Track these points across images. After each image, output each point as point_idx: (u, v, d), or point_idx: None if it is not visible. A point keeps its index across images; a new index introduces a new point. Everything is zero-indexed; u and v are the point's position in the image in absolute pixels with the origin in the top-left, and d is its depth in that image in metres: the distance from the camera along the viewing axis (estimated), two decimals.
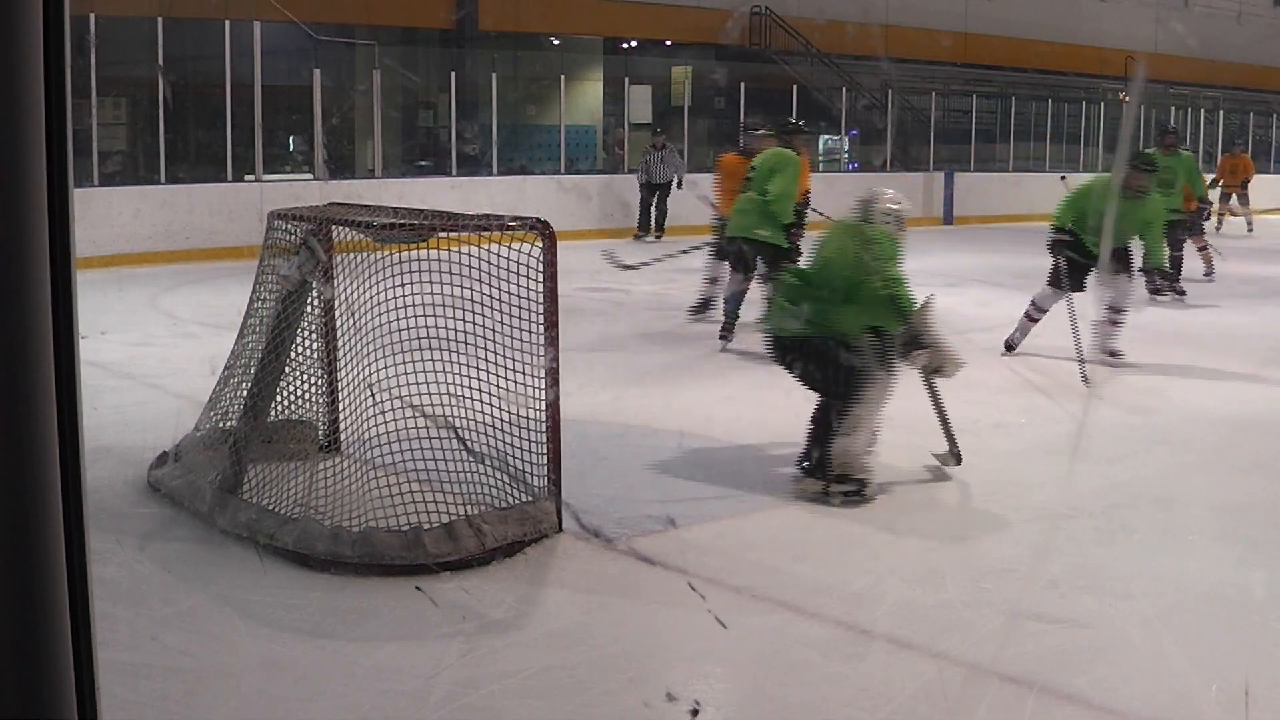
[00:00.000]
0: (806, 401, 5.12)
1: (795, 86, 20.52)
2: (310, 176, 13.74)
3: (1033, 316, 8.21)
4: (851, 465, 4.94)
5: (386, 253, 4.78)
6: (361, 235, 4.84)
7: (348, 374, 4.85)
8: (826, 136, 22.45)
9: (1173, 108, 26.22)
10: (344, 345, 4.99)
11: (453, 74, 17.56)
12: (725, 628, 3.61)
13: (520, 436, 4.53)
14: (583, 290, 7.93)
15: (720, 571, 4.16)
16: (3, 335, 0.86)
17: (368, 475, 4.48)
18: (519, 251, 4.49)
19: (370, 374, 4.90)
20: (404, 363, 4.60)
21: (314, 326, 5.05)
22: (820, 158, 21.53)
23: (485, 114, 17.77)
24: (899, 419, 5.50)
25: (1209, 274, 12.66)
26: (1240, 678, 3.27)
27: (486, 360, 4.56)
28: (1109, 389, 5.53)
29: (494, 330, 4.59)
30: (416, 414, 4.79)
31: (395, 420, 4.57)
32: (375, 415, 4.61)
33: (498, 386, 4.55)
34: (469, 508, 4.36)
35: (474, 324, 4.55)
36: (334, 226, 4.90)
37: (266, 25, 15.51)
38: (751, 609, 3.87)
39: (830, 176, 19.15)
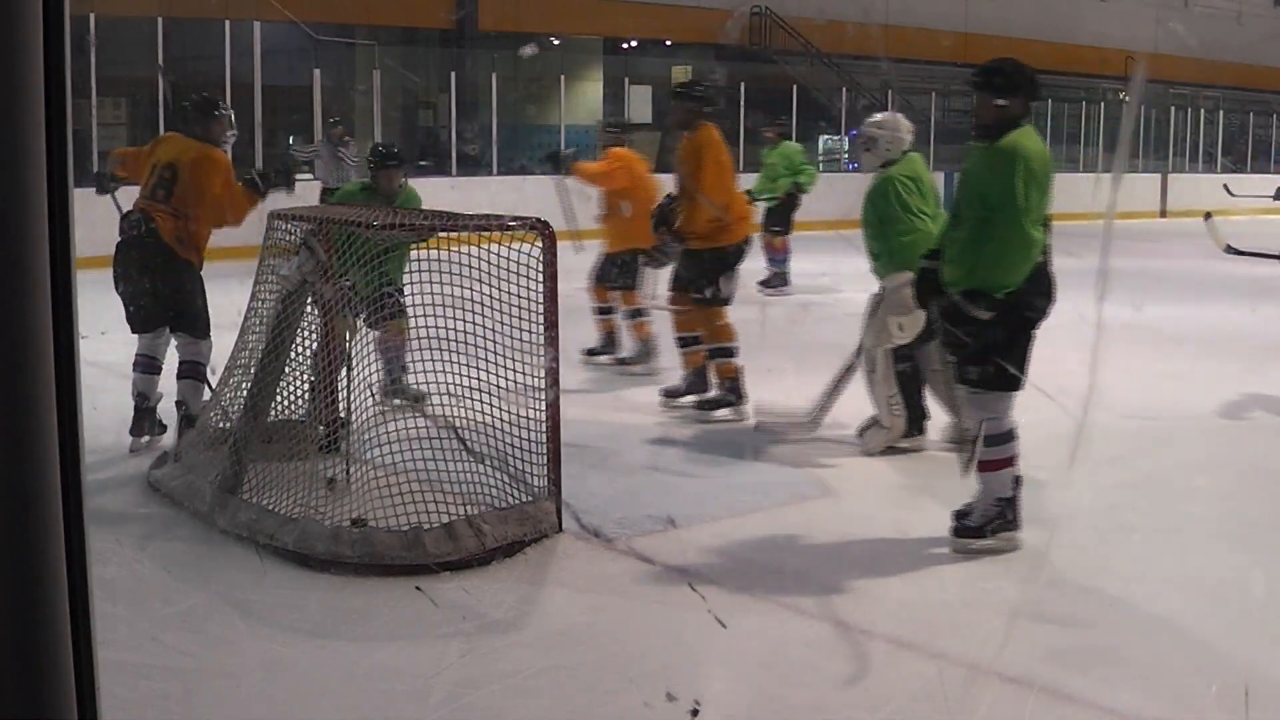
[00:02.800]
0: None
1: (795, 86, 20.53)
2: (310, 176, 13.74)
3: None
4: None
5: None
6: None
7: (347, 374, 4.85)
8: (826, 136, 22.44)
9: (1172, 108, 26.21)
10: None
11: (453, 74, 17.58)
12: (725, 628, 3.61)
13: (520, 436, 4.53)
14: (583, 290, 7.91)
15: (720, 571, 4.15)
16: (3, 335, 0.86)
17: (368, 475, 4.48)
18: (519, 251, 4.48)
19: (370, 374, 4.91)
20: (404, 362, 4.61)
21: (314, 326, 5.05)
22: (820, 158, 21.53)
23: (485, 114, 17.78)
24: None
25: None
26: (1240, 678, 3.26)
27: (486, 360, 4.56)
28: (1109, 390, 5.54)
29: (494, 330, 4.59)
30: (417, 414, 4.80)
31: (395, 420, 4.57)
32: (375, 415, 4.61)
33: (498, 386, 4.54)
34: (469, 508, 4.36)
35: (474, 324, 4.55)
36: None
37: (266, 25, 15.52)
38: (751, 609, 3.87)
39: (830, 177, 19.12)
